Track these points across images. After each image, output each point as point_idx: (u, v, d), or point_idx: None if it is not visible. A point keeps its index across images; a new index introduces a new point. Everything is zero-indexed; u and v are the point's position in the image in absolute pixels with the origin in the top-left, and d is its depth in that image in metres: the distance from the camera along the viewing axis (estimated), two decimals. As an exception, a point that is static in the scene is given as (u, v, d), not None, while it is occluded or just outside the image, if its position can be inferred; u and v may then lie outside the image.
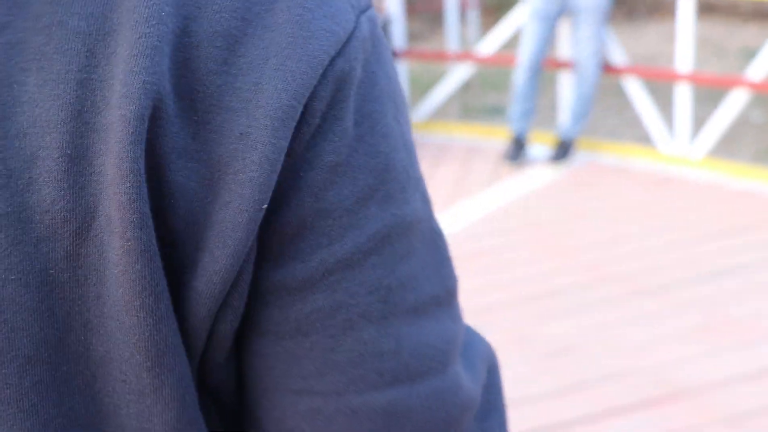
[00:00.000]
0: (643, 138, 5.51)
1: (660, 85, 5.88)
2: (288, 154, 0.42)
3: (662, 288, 3.37)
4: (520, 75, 4.90)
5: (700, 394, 2.64)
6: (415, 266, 0.46)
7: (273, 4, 0.43)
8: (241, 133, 0.41)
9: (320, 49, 0.42)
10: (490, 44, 5.56)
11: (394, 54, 5.59)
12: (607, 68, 5.00)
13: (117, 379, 0.42)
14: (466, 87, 6.73)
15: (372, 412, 0.45)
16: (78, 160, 0.39)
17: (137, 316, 0.40)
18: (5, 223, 0.39)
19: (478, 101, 6.94)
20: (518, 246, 3.86)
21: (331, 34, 0.43)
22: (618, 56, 5.04)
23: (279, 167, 0.41)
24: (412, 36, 8.12)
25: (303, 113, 0.42)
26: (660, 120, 5.05)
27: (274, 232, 0.43)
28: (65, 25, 0.40)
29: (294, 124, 0.41)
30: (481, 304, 3.29)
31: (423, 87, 6.79)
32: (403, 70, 5.79)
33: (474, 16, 8.61)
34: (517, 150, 4.94)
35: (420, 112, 5.83)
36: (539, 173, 4.84)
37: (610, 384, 2.72)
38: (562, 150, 4.94)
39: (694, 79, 4.88)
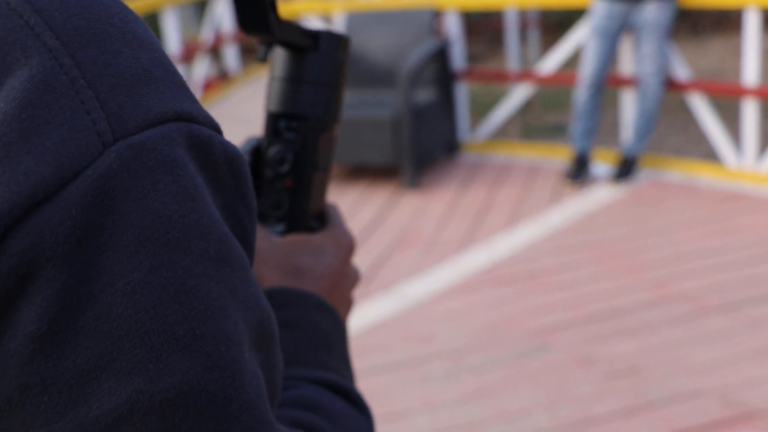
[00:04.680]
0: (709, 154, 5.41)
1: (725, 101, 5.77)
2: None
3: (730, 306, 3.29)
4: (582, 93, 4.86)
5: (771, 415, 2.56)
6: None
7: None
8: None
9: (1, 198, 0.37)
10: (549, 63, 5.53)
11: (454, 76, 5.60)
12: (671, 84, 4.93)
13: None
14: (527, 107, 6.70)
15: None
16: None
17: None
18: None
19: (539, 120, 6.90)
20: (581, 265, 3.82)
21: (28, 177, 0.37)
22: (682, 72, 4.97)
23: None
24: (473, 57, 8.13)
25: None
26: (726, 135, 4.95)
27: None
28: None
29: None
30: (543, 324, 3.26)
31: (484, 107, 6.78)
32: (463, 91, 5.80)
33: (534, 36, 8.58)
34: (579, 169, 4.90)
35: (481, 133, 5.83)
36: (602, 192, 4.78)
37: (677, 405, 2.66)
38: (625, 168, 4.88)
39: (761, 93, 4.79)
